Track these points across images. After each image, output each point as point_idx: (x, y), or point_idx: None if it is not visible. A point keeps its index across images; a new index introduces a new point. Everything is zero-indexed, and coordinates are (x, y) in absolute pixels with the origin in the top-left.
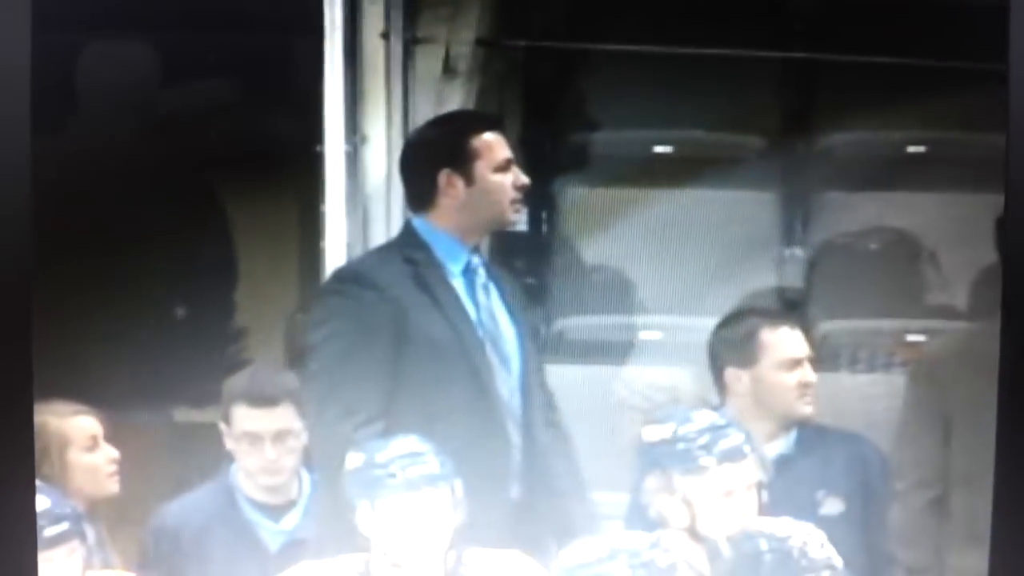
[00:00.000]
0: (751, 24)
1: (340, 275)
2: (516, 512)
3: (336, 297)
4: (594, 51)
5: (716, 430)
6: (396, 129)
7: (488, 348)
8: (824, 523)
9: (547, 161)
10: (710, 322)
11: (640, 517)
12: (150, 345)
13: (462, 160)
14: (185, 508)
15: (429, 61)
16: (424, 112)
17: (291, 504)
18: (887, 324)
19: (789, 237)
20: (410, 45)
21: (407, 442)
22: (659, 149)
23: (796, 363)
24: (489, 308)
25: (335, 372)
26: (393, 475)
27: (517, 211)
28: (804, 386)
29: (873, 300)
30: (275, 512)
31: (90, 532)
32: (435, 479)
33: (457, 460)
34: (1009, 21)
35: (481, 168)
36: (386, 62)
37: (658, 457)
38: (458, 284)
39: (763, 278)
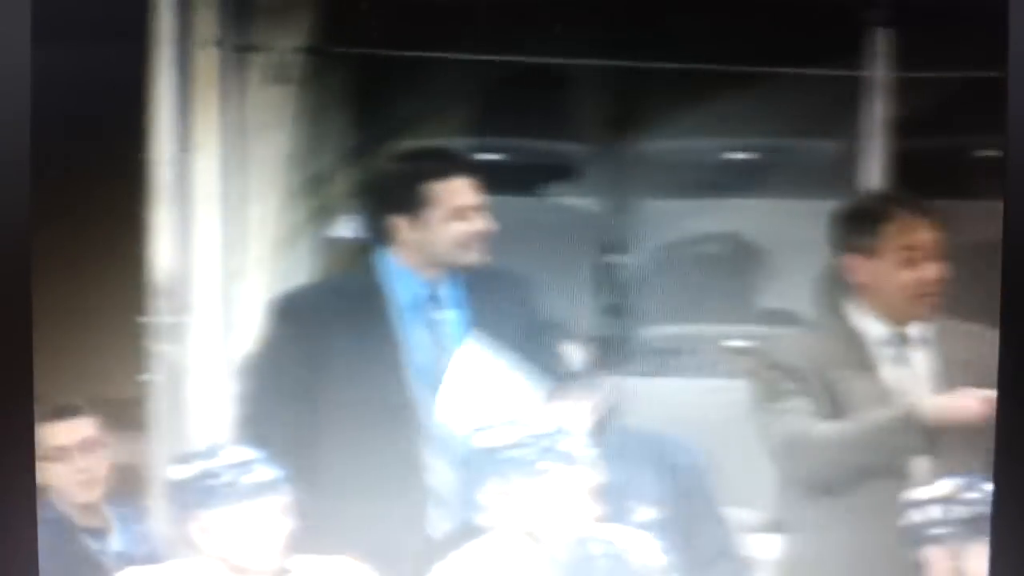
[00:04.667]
0: (572, 31)
1: (272, 306)
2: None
3: (264, 330)
4: (424, 59)
5: (556, 435)
6: (227, 137)
7: (422, 384)
8: (643, 529)
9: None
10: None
11: (467, 523)
12: None
13: (411, 207)
14: None
15: (261, 69)
16: (256, 120)
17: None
18: (713, 329)
19: (612, 244)
20: (242, 52)
21: (237, 451)
22: (483, 157)
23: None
24: (434, 345)
25: (249, 406)
26: (227, 484)
27: (476, 254)
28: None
29: (699, 305)
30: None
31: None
32: (267, 487)
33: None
34: (1008, 25)
35: (433, 216)
36: (218, 69)
37: (495, 463)
38: (402, 319)
39: (586, 284)
